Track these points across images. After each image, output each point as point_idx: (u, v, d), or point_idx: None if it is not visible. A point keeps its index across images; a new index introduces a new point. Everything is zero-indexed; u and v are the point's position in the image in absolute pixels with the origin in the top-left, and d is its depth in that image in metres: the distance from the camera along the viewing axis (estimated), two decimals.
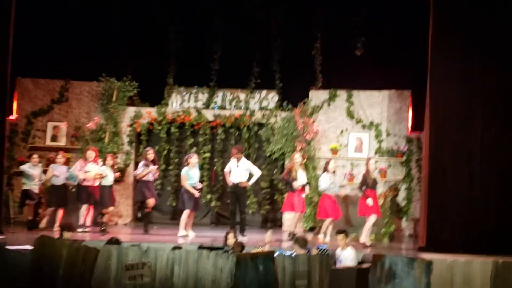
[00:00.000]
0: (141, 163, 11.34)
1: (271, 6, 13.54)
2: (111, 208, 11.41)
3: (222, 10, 13.59)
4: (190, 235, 11.15)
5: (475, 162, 10.14)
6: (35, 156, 11.61)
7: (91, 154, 11.48)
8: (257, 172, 11.54)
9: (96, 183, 11.31)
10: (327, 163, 11.32)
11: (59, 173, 11.49)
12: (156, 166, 11.58)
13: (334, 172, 11.25)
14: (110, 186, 11.39)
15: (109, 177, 11.34)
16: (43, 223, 11.47)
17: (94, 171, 11.32)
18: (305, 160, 12.11)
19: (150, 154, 11.45)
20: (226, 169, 11.69)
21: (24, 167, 11.39)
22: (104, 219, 11.12)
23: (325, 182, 11.10)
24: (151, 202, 11.47)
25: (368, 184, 10.81)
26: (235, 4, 13.53)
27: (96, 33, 13.47)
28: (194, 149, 13.01)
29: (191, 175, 11.25)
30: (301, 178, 11.29)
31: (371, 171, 10.98)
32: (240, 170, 11.37)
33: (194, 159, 11.36)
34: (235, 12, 13.55)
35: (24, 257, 7.33)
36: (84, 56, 13.24)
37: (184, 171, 11.31)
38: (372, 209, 10.68)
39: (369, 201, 10.63)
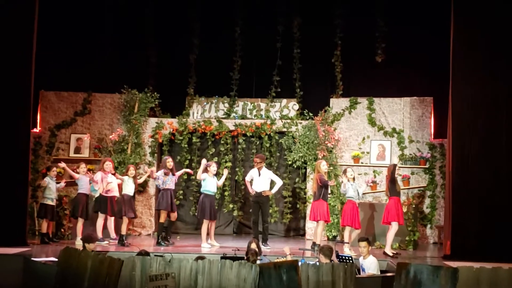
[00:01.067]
0: (160, 172, 11.32)
1: (291, 14, 13.57)
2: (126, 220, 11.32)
3: (241, 20, 13.65)
4: (213, 245, 11.16)
5: (500, 169, 9.99)
6: (54, 168, 11.60)
7: (108, 165, 11.54)
8: (279, 182, 11.52)
9: (116, 193, 11.42)
10: (345, 171, 10.99)
11: (83, 183, 11.55)
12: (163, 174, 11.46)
13: (353, 179, 11.07)
14: (132, 197, 11.43)
15: (131, 188, 11.39)
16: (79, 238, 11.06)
17: (115, 181, 11.43)
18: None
19: (170, 162, 11.45)
20: (247, 178, 11.69)
21: (48, 180, 11.36)
22: (123, 231, 11.09)
23: (350, 189, 10.75)
24: (173, 214, 11.52)
25: (397, 191, 10.53)
26: (254, 13, 13.58)
27: (117, 45, 13.65)
28: (216, 158, 13.03)
29: (211, 182, 11.25)
30: None
31: (397, 178, 10.68)
32: (262, 179, 11.34)
33: (213, 167, 11.37)
34: (255, 22, 13.59)
35: (50, 269, 7.41)
36: (106, 68, 13.42)
37: (204, 176, 11.18)
38: (395, 217, 10.37)
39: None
